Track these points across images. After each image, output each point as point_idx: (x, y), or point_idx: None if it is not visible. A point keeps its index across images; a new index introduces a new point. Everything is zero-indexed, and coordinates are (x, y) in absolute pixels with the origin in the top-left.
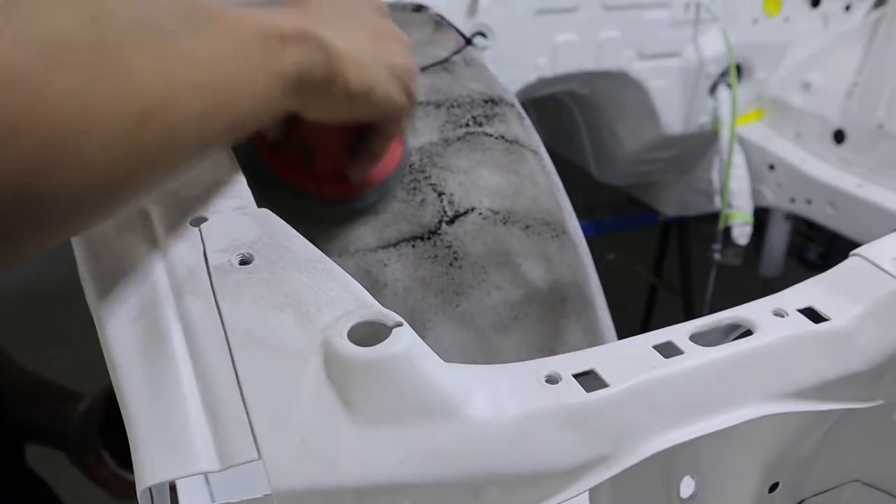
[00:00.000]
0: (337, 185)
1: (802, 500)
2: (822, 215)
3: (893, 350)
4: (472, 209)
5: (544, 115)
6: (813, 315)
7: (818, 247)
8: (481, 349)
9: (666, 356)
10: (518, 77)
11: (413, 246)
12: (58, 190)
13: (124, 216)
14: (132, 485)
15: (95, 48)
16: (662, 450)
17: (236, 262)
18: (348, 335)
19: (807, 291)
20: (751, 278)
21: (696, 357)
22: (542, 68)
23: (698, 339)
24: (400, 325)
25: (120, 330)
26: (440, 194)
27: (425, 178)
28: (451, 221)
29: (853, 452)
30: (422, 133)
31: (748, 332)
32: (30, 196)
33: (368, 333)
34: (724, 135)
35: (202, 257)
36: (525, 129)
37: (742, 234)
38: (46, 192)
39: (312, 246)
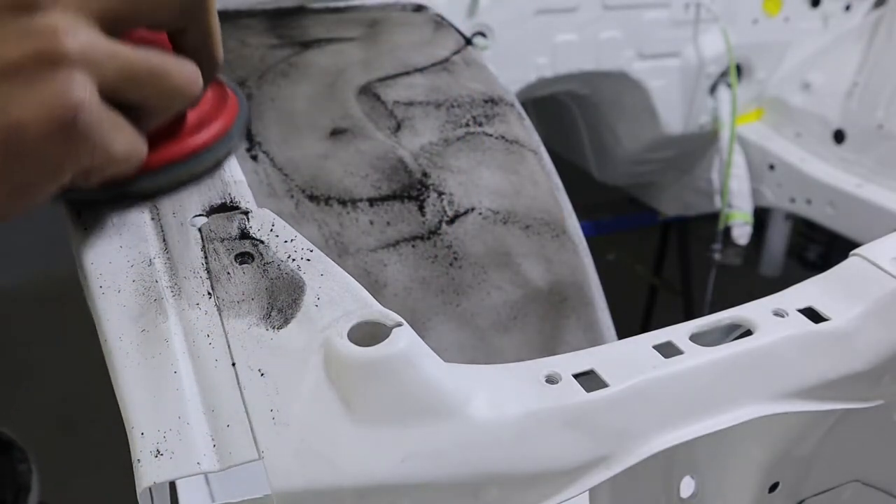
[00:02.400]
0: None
1: (802, 500)
2: (822, 215)
3: (893, 350)
4: (472, 209)
5: (544, 115)
6: (813, 315)
7: (818, 247)
8: (481, 349)
9: (666, 356)
10: (518, 77)
11: (413, 246)
12: None
13: (125, 216)
14: None
15: None
16: (662, 450)
17: (236, 262)
18: (348, 335)
19: (807, 291)
20: (751, 278)
21: (696, 357)
22: (542, 68)
23: (698, 339)
24: (400, 325)
25: (119, 330)
26: (440, 194)
27: (425, 177)
28: (451, 221)
29: (853, 452)
30: (422, 133)
31: (748, 332)
32: None
33: (368, 333)
34: (724, 135)
35: (202, 257)
36: (525, 129)
37: (742, 234)
38: None
39: (312, 246)
